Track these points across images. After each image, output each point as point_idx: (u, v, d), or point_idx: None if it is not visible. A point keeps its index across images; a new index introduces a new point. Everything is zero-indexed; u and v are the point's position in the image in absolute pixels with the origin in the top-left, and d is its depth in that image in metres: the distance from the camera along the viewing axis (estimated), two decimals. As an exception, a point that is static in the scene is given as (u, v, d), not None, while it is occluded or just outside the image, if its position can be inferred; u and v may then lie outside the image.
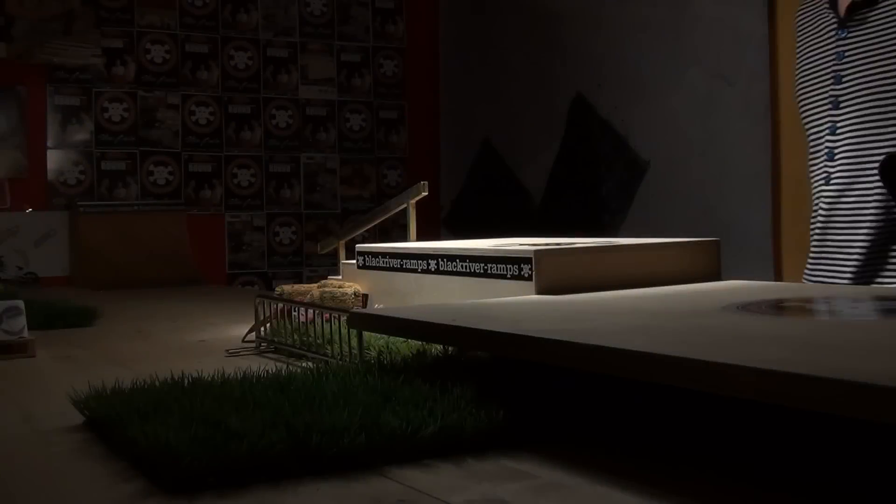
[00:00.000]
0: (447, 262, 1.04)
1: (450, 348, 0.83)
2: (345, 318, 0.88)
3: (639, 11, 2.35)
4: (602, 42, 2.50)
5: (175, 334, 1.33)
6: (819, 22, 1.41)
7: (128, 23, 2.94)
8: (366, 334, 0.88)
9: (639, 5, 2.35)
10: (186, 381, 0.74)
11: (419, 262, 1.08)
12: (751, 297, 0.82)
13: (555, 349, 0.62)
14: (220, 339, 1.21)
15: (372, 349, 0.88)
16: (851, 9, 1.31)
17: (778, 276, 1.99)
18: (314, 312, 0.98)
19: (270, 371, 0.78)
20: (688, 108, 2.21)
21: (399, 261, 1.12)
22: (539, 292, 0.92)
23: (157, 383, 0.75)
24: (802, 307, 0.76)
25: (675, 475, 0.55)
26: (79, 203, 2.74)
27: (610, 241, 1.12)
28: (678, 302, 0.87)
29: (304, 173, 3.17)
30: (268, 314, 1.07)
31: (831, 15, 1.36)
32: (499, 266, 0.96)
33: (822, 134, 1.36)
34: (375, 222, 1.42)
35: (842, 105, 1.33)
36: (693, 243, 1.05)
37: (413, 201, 1.31)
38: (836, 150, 1.34)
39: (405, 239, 1.32)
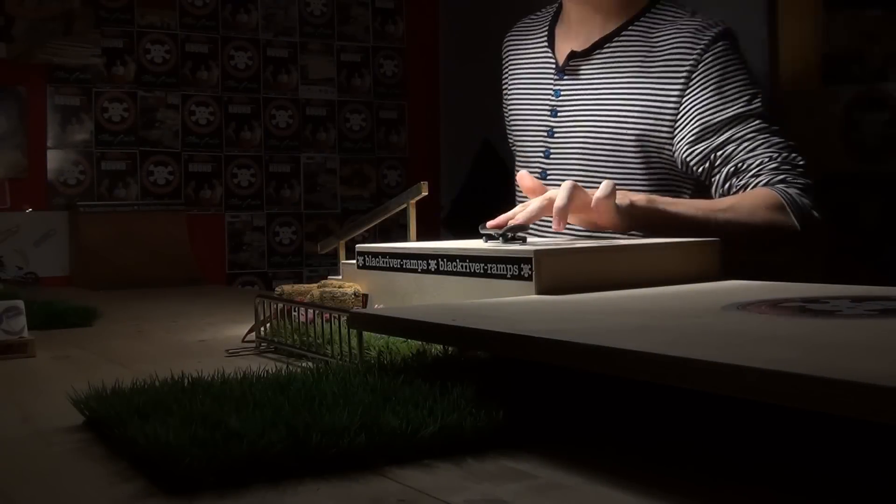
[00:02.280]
0: (447, 262, 1.04)
1: (450, 348, 0.83)
2: (345, 318, 0.88)
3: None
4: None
5: (175, 334, 1.33)
6: (538, 58, 1.68)
7: (128, 23, 2.94)
8: (366, 334, 0.88)
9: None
10: (186, 381, 0.74)
11: (419, 262, 1.08)
12: (751, 297, 0.82)
13: (555, 349, 0.62)
14: (220, 339, 1.21)
15: (372, 349, 0.88)
16: (569, 57, 1.58)
17: (778, 276, 1.99)
18: (314, 312, 0.98)
19: (270, 371, 0.78)
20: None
21: (399, 261, 1.12)
22: (539, 292, 0.92)
23: (157, 383, 0.75)
24: (802, 307, 0.76)
25: (675, 475, 0.55)
26: (79, 203, 2.74)
27: (610, 241, 1.12)
28: (678, 302, 0.87)
29: (304, 173, 3.17)
30: (268, 314, 1.07)
31: (549, 55, 1.64)
32: (499, 266, 0.96)
33: (536, 156, 1.64)
34: (375, 222, 1.42)
35: (555, 135, 1.60)
36: (693, 243, 1.06)
37: (413, 201, 1.31)
38: (548, 171, 1.60)
39: (405, 239, 1.32)
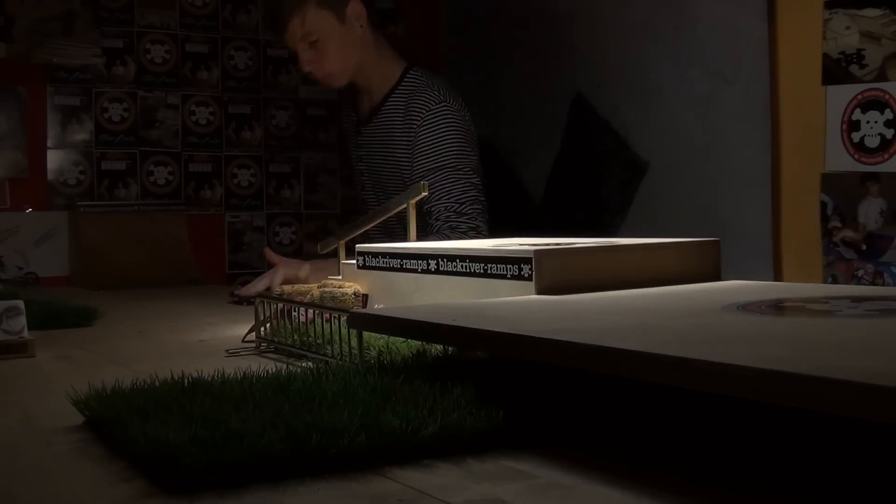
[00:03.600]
0: (447, 262, 1.04)
1: (450, 348, 0.83)
2: (345, 318, 0.88)
3: (639, 11, 2.35)
4: (602, 42, 2.49)
5: (175, 334, 1.33)
6: (349, 119, 2.38)
7: (128, 23, 2.94)
8: (366, 334, 0.88)
9: (639, 5, 2.35)
10: (186, 381, 0.74)
11: (419, 262, 1.08)
12: (751, 297, 0.82)
13: (555, 349, 0.62)
14: (220, 339, 1.21)
15: (372, 349, 0.88)
16: (356, 123, 2.29)
17: (778, 276, 1.99)
18: (314, 312, 0.98)
19: (270, 371, 0.78)
20: (688, 108, 2.21)
21: (399, 261, 1.12)
22: (539, 292, 0.92)
23: (157, 383, 0.75)
24: (802, 307, 0.76)
25: (675, 475, 0.56)
26: (79, 203, 2.74)
27: (610, 241, 1.12)
28: (678, 302, 0.87)
29: (304, 173, 3.17)
30: (268, 314, 1.07)
31: (354, 118, 2.32)
32: (499, 266, 0.96)
33: (360, 186, 2.34)
34: (375, 222, 1.42)
35: (364, 175, 2.29)
36: (693, 243, 1.05)
37: (413, 201, 1.31)
38: (368, 201, 2.27)
39: (405, 239, 1.32)
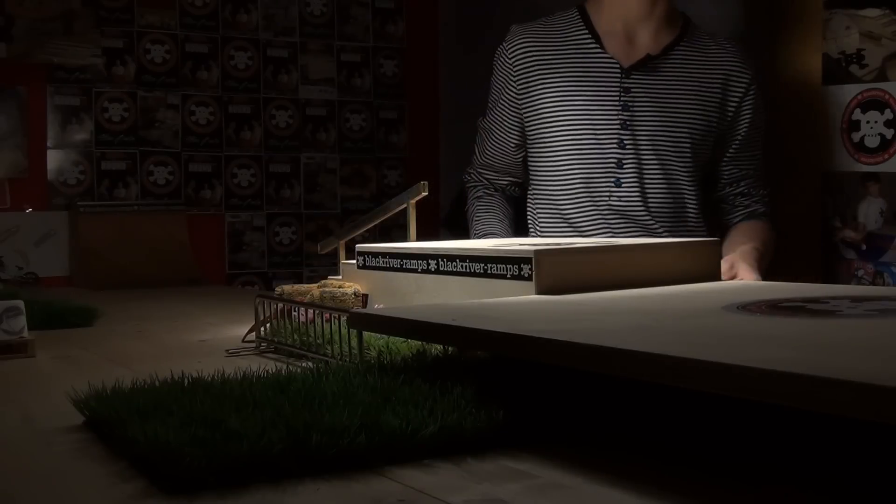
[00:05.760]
0: (447, 262, 1.04)
1: (450, 348, 0.83)
2: (345, 318, 0.88)
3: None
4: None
5: (175, 334, 1.33)
6: (586, 60, 1.80)
7: (128, 23, 2.94)
8: (366, 334, 0.88)
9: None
10: (186, 381, 0.74)
11: (419, 262, 1.08)
12: (751, 297, 0.82)
13: (555, 349, 0.62)
14: (220, 339, 1.21)
15: (372, 349, 0.88)
16: (646, 59, 1.75)
17: (778, 277, 1.99)
18: (314, 312, 0.98)
19: (270, 371, 0.78)
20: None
21: (399, 261, 1.12)
22: (539, 292, 0.92)
23: (157, 383, 0.75)
24: (802, 307, 0.76)
25: (675, 475, 0.56)
26: (79, 203, 2.74)
27: (610, 241, 1.12)
28: (678, 302, 0.87)
29: (304, 173, 3.17)
30: (268, 314, 1.07)
31: (604, 56, 1.77)
32: (499, 266, 0.96)
33: (610, 147, 1.76)
34: (375, 222, 1.42)
35: (628, 126, 1.75)
36: (693, 243, 1.05)
37: (413, 201, 1.31)
38: (623, 161, 1.75)
39: (405, 239, 1.32)
